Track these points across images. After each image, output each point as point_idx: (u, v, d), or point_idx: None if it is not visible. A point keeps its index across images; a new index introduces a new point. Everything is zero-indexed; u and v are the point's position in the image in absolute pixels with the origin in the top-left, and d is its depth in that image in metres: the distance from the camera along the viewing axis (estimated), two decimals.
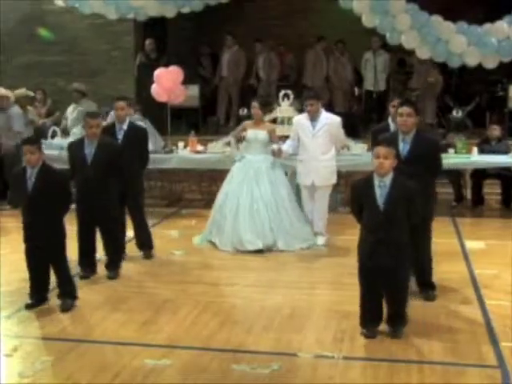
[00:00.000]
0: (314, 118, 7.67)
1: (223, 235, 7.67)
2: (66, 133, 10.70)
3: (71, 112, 11.01)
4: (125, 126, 7.32)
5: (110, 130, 7.28)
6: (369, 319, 5.10)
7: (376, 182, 4.96)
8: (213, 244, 7.81)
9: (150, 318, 5.56)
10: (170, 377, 4.50)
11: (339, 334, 5.17)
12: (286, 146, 7.83)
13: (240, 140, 8.44)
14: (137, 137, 7.40)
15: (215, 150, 9.94)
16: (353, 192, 5.27)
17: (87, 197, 6.54)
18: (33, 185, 5.66)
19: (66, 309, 5.73)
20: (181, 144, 10.16)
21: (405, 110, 5.83)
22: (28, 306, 5.80)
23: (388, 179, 4.94)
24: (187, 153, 9.98)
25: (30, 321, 5.58)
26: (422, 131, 6.14)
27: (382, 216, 4.90)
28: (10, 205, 9.60)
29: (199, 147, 10.05)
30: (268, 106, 8.25)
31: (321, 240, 7.86)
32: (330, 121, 7.72)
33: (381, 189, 4.93)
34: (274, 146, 7.76)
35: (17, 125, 9.98)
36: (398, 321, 5.07)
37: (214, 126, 13.29)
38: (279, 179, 7.86)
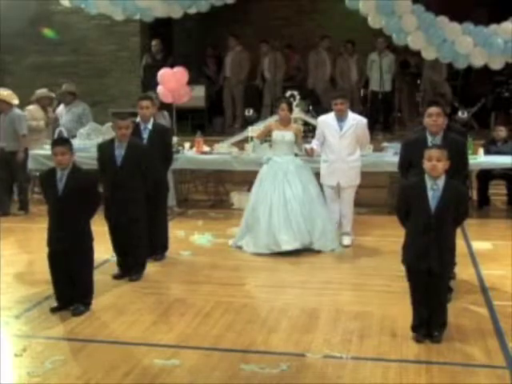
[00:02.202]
0: (341, 118, 7.63)
1: (258, 238, 7.57)
2: None
3: (65, 113, 11.01)
4: (149, 126, 7.28)
5: (135, 130, 7.14)
6: (420, 324, 5.05)
7: (428, 184, 4.91)
8: (240, 247, 7.79)
9: (159, 318, 5.57)
10: (178, 377, 4.51)
11: (348, 334, 5.18)
12: (315, 146, 7.78)
13: (267, 137, 8.30)
14: (162, 136, 7.35)
15: (221, 151, 9.97)
16: (402, 194, 5.20)
17: (115, 197, 6.51)
18: (63, 187, 5.59)
19: (76, 314, 5.66)
20: (187, 145, 10.18)
21: (434, 110, 5.82)
22: (53, 310, 5.74)
23: (441, 182, 4.91)
24: (193, 153, 10.00)
25: (38, 321, 5.59)
26: (449, 129, 6.17)
27: (433, 219, 4.87)
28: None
29: (205, 148, 10.08)
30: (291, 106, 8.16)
31: (347, 240, 7.85)
32: (356, 122, 7.70)
33: (433, 191, 4.89)
34: (307, 146, 7.72)
35: (20, 128, 9.76)
36: (441, 325, 5.05)
37: (220, 127, 13.33)
38: (309, 179, 7.75)
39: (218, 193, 10.72)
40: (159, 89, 10.24)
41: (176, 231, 8.50)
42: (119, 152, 6.55)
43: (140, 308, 5.86)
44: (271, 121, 8.63)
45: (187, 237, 8.32)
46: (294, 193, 7.58)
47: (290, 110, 7.92)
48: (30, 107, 10.60)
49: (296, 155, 7.95)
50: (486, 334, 5.16)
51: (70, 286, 5.76)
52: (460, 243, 7.75)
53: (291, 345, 5.01)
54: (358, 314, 5.50)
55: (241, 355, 4.83)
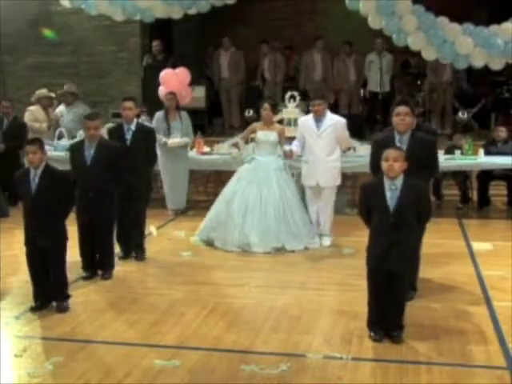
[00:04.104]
0: (319, 118, 7.69)
1: (228, 234, 7.68)
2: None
3: (66, 114, 11.01)
4: (133, 127, 7.32)
5: (119, 131, 7.32)
6: (377, 322, 5.10)
7: (386, 184, 4.94)
8: (209, 243, 7.83)
9: (159, 319, 5.58)
10: (179, 377, 4.52)
11: (347, 334, 5.18)
12: (295, 147, 7.82)
13: (247, 141, 8.43)
14: (145, 137, 7.40)
15: (222, 151, 9.97)
16: (362, 194, 5.24)
17: (86, 198, 6.54)
18: (36, 186, 5.66)
19: (62, 310, 5.76)
20: None
21: (402, 109, 5.79)
22: (32, 309, 5.80)
23: (399, 182, 4.93)
24: (194, 154, 10.00)
25: (38, 321, 5.60)
26: (418, 128, 6.17)
27: (392, 219, 4.89)
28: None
29: (205, 148, 10.08)
30: (276, 107, 8.25)
31: (327, 241, 7.89)
32: (334, 122, 7.73)
33: (391, 191, 4.91)
34: (286, 148, 7.76)
35: None
36: (400, 327, 5.05)
37: (220, 128, 13.33)
38: (286, 181, 7.87)
39: (218, 193, 10.68)
40: (161, 89, 10.23)
41: (176, 232, 8.52)
42: (89, 152, 6.59)
43: (140, 308, 5.87)
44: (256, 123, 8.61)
45: (187, 237, 8.32)
46: (271, 195, 7.70)
47: (273, 110, 8.03)
48: (32, 108, 10.61)
49: (279, 156, 8.00)
50: (486, 335, 5.17)
51: (48, 284, 5.86)
52: (460, 243, 7.85)
53: (291, 345, 5.02)
54: (358, 314, 5.48)
55: (241, 356, 4.83)
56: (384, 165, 4.94)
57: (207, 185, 10.91)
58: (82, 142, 6.78)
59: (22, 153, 10.15)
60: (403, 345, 4.97)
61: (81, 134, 10.11)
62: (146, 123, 8.78)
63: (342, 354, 4.81)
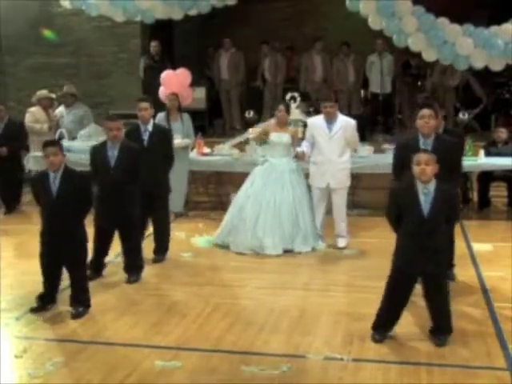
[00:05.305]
0: (330, 120, 7.66)
1: (240, 237, 7.66)
2: None
3: (66, 115, 11.01)
4: (150, 127, 7.28)
5: (135, 132, 7.26)
6: (383, 324, 5.09)
7: (419, 188, 4.90)
8: (224, 246, 7.83)
9: (160, 320, 5.58)
10: (179, 378, 4.53)
11: (348, 336, 5.18)
12: (306, 148, 7.76)
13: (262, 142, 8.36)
14: (162, 138, 7.37)
15: (222, 152, 9.97)
16: (393, 198, 5.15)
17: (109, 200, 6.52)
18: (57, 189, 5.59)
19: (77, 316, 5.67)
20: None
21: (426, 112, 5.81)
22: (32, 310, 5.80)
23: (432, 186, 4.90)
24: (194, 155, 10.00)
25: (39, 322, 5.60)
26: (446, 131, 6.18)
27: (426, 223, 4.86)
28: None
29: (206, 149, 10.07)
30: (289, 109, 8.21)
31: (342, 242, 7.85)
32: (345, 123, 7.71)
33: (425, 196, 4.88)
34: (299, 150, 7.74)
35: None
36: (445, 330, 5.04)
37: (221, 128, 13.33)
38: (299, 182, 7.81)
39: (219, 194, 10.71)
40: (162, 90, 10.23)
41: (177, 233, 8.50)
42: (112, 153, 6.53)
43: (141, 309, 5.87)
44: (268, 123, 8.61)
45: (188, 238, 8.32)
46: (285, 197, 7.67)
47: (288, 111, 8.00)
48: (32, 109, 10.60)
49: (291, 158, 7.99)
50: (486, 336, 5.17)
51: (57, 287, 5.87)
52: (460, 244, 7.80)
53: (292, 346, 5.02)
54: (359, 315, 5.50)
55: (241, 357, 4.83)
56: (416, 169, 4.90)
57: (208, 186, 10.89)
58: (104, 144, 6.70)
59: (22, 154, 10.19)
60: (404, 346, 4.99)
61: (82, 135, 10.14)
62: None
63: (342, 355, 4.82)
